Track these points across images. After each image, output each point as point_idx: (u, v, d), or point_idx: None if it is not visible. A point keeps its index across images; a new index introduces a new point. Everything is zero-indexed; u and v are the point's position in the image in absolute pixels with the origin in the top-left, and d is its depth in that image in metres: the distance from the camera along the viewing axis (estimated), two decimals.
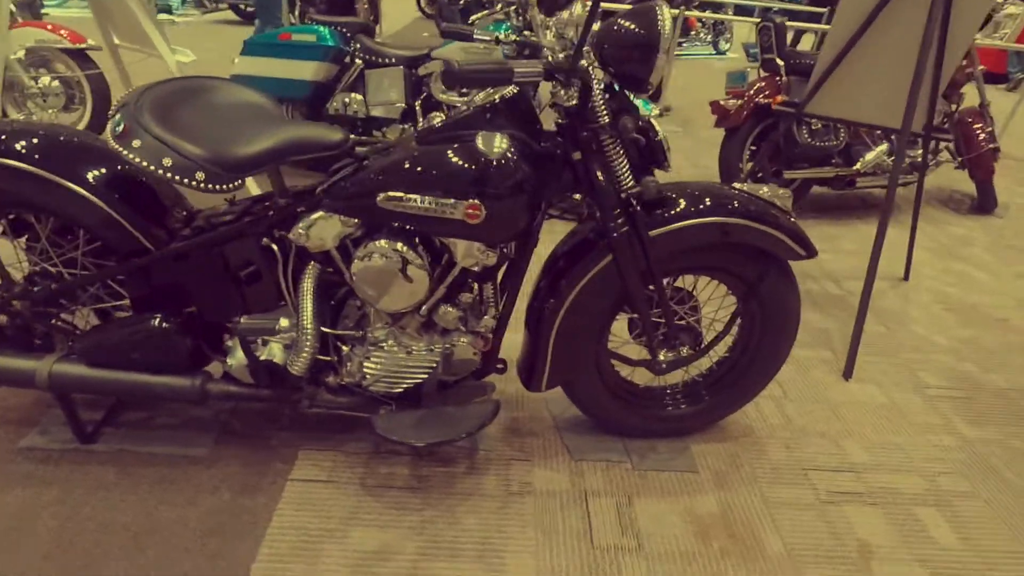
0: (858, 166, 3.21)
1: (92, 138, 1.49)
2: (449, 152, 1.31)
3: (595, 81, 1.30)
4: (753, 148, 3.26)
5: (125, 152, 1.28)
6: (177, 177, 1.27)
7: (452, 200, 1.30)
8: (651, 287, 1.52)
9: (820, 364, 2.23)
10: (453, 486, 1.60)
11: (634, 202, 1.39)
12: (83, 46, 3.59)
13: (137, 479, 1.54)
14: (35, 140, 1.38)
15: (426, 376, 1.50)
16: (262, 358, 1.48)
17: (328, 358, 1.53)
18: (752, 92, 3.07)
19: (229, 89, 1.49)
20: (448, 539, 1.46)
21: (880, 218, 2.12)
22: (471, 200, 1.30)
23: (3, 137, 1.36)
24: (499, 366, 1.62)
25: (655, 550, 1.47)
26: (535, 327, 1.56)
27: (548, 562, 1.42)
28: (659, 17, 1.25)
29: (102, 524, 1.43)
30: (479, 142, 1.27)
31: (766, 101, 3.04)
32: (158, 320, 1.45)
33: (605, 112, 1.32)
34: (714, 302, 1.71)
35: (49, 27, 3.62)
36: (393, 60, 3.10)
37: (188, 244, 1.41)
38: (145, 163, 1.26)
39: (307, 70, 3.06)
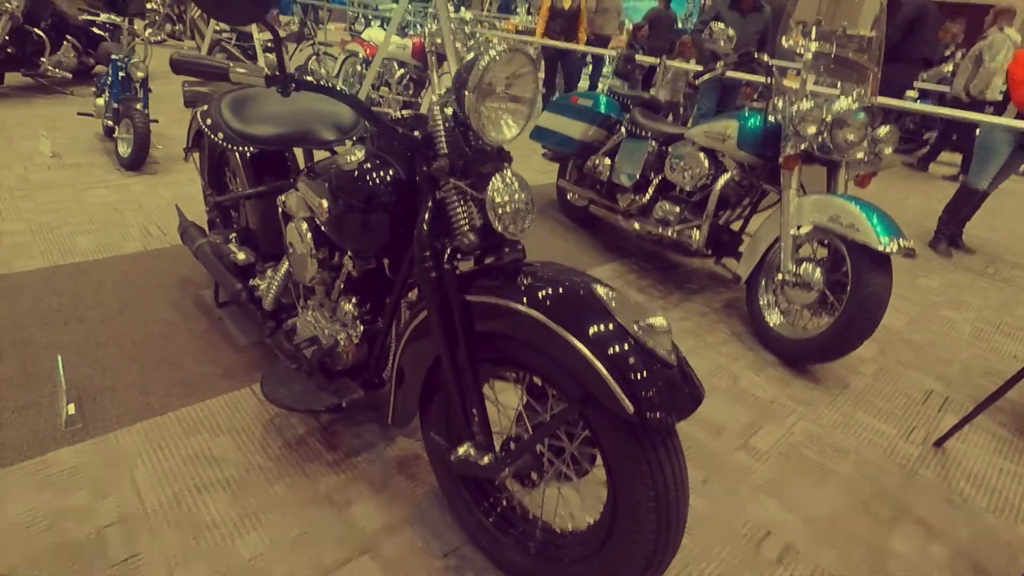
0: None
1: None
2: (334, 159, 1.47)
3: (437, 122, 1.23)
4: None
5: (200, 119, 1.93)
6: (209, 133, 1.84)
7: (317, 197, 1.46)
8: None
9: None
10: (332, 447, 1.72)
11: (447, 254, 1.24)
12: (371, 57, 5.68)
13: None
14: None
15: (312, 351, 1.67)
16: (258, 285, 1.93)
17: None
18: None
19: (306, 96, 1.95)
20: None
21: None
22: (323, 200, 1.43)
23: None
24: (376, 380, 1.65)
25: None
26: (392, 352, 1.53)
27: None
28: (480, 58, 1.11)
29: None
30: (340, 152, 1.38)
31: None
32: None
33: (444, 153, 1.23)
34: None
35: (364, 45, 5.82)
36: (648, 135, 3.09)
37: (251, 191, 1.96)
38: (202, 124, 1.88)
39: (577, 130, 3.34)
